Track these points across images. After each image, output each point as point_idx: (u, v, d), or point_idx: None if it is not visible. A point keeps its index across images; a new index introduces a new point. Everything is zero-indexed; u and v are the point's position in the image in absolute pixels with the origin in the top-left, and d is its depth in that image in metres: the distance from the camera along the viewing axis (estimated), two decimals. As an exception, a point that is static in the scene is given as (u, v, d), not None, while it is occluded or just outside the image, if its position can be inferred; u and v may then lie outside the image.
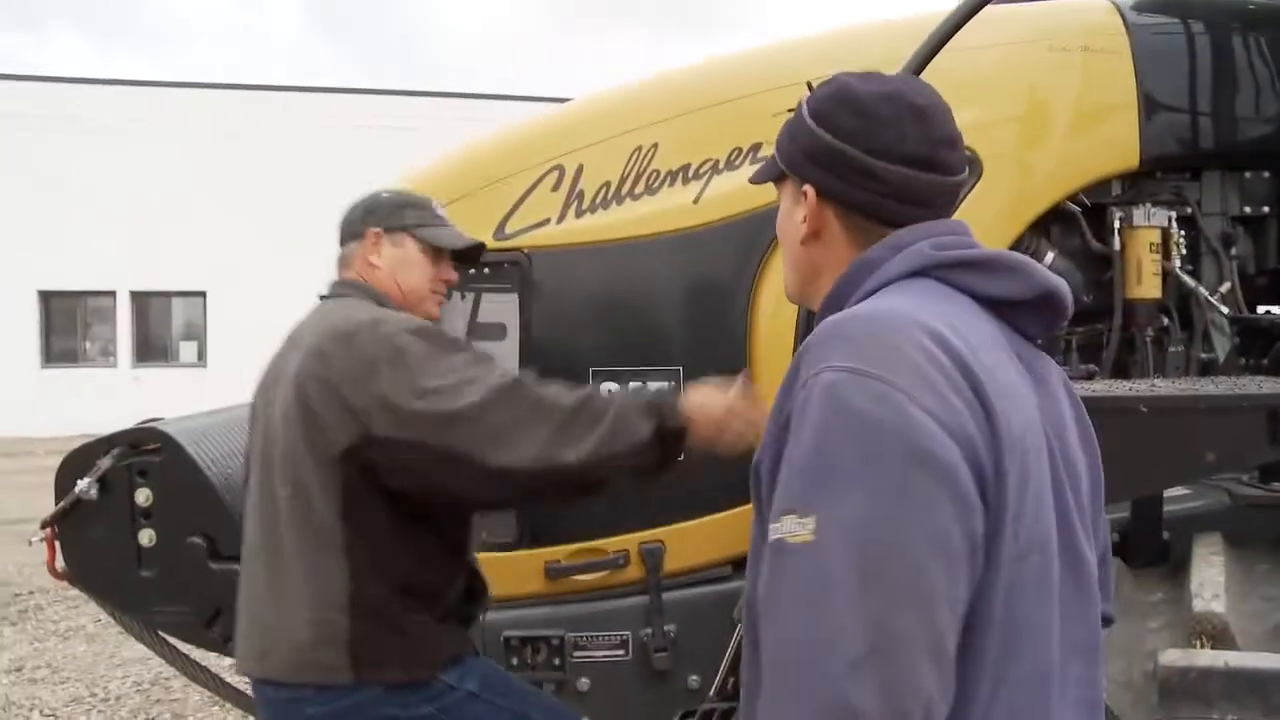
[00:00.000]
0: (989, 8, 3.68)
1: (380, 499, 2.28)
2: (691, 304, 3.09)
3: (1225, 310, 3.36)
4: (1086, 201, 3.30)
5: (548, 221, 3.06)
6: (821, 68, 3.23)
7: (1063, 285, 1.32)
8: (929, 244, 1.29)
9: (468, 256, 2.73)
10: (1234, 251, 3.51)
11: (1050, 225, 3.30)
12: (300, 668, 2.30)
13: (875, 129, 1.31)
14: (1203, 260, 3.48)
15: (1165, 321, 3.33)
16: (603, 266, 3.08)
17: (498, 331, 3.07)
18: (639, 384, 2.95)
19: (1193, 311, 3.35)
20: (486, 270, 3.04)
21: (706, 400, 2.30)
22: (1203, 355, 3.34)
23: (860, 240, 1.35)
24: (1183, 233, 3.40)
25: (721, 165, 3.10)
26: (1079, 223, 3.30)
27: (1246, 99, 3.48)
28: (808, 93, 1.42)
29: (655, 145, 3.08)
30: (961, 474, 1.05)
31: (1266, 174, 3.53)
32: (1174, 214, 3.38)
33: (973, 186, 2.97)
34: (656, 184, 3.07)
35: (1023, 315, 1.30)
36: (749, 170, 3.06)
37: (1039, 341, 1.38)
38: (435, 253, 2.62)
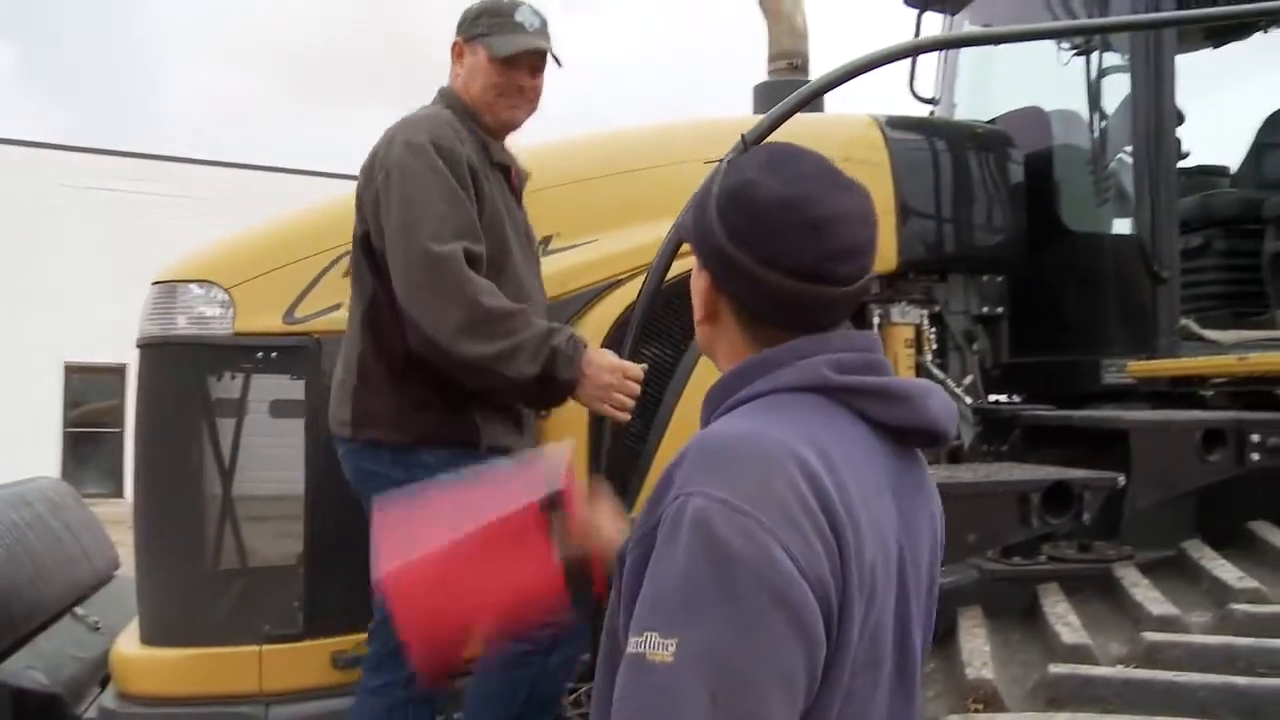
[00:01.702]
0: (749, 121, 3.98)
1: (388, 284, 2.53)
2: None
3: (969, 400, 3.69)
4: (850, 300, 3.56)
5: (339, 306, 3.01)
6: (611, 165, 3.46)
7: (948, 416, 1.35)
8: (827, 362, 1.29)
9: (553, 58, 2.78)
10: (975, 347, 3.87)
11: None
12: (332, 424, 2.70)
13: (767, 238, 1.29)
14: (949, 355, 3.82)
15: (919, 412, 3.60)
16: (395, 352, 3.07)
17: (286, 414, 3.01)
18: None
19: (942, 403, 3.65)
20: (275, 354, 2.98)
21: (601, 367, 2.48)
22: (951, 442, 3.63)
23: (752, 335, 1.35)
24: (933, 329, 3.72)
25: (512, 251, 3.17)
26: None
27: (981, 211, 3.88)
28: (729, 157, 1.43)
29: (450, 233, 3.12)
30: (812, 616, 1.12)
31: (1000, 278, 3.92)
32: (925, 312, 3.70)
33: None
34: (449, 271, 3.11)
35: (906, 435, 1.34)
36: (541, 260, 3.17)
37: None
38: (504, 62, 2.68)
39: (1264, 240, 4.42)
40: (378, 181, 2.55)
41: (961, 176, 3.87)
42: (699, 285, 1.39)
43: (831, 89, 2.64)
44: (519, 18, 2.70)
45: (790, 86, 4.60)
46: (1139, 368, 3.62)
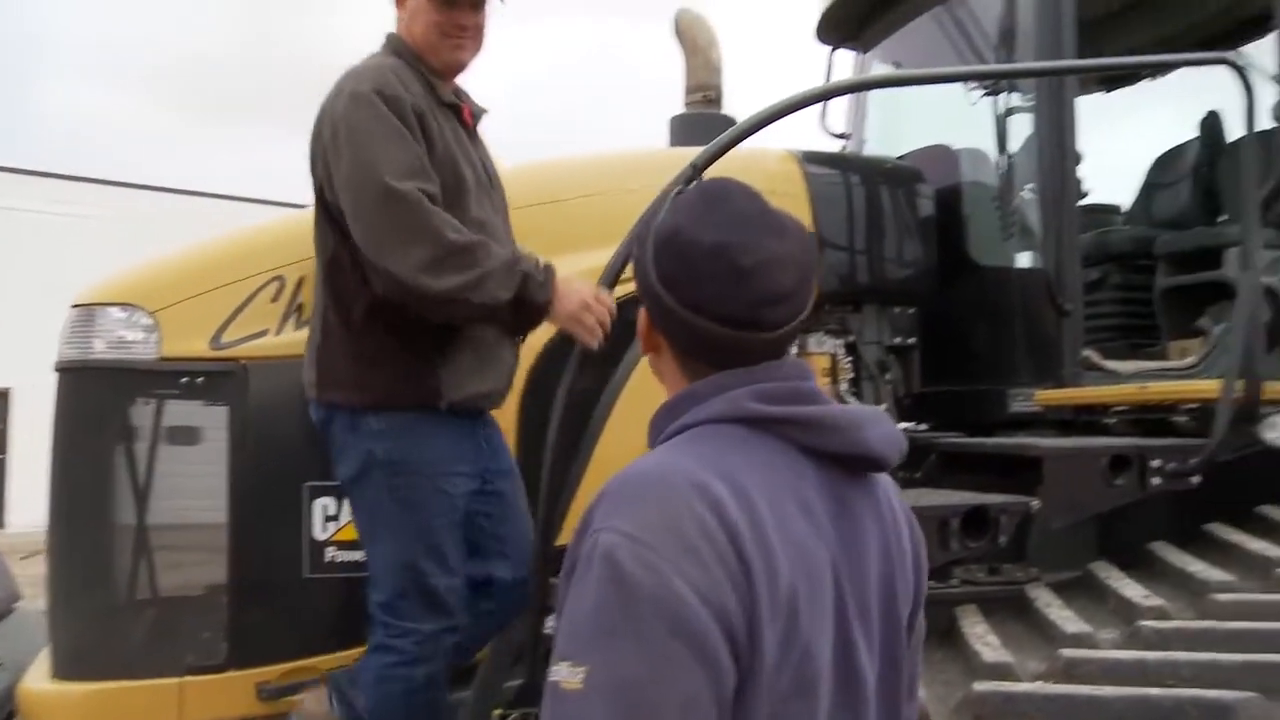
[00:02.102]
0: (678, 153, 4.05)
1: (345, 239, 2.56)
2: (408, 420, 3.11)
3: (884, 428, 3.78)
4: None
5: (266, 332, 3.00)
6: (539, 195, 3.48)
7: (886, 444, 1.36)
8: (751, 394, 1.33)
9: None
10: (888, 376, 3.98)
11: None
12: (305, 387, 2.72)
13: (695, 285, 1.33)
14: (863, 384, 3.92)
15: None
16: (322, 379, 3.06)
17: (211, 441, 2.97)
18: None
19: (857, 432, 3.75)
20: (201, 380, 2.95)
21: (574, 288, 2.53)
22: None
23: (689, 368, 1.39)
24: (848, 359, 3.82)
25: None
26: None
27: (894, 244, 4.00)
28: (678, 188, 1.43)
29: (374, 261, 3.12)
30: (714, 642, 1.15)
31: (911, 309, 4.05)
32: (841, 342, 3.80)
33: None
34: (375, 299, 3.11)
35: (846, 461, 1.35)
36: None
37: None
38: (443, 3, 2.70)
39: (1156, 275, 4.64)
40: (325, 137, 2.57)
41: (875, 211, 3.99)
42: (640, 319, 1.44)
43: (772, 122, 2.73)
44: None
45: (705, 118, 4.73)
46: (1047, 396, 3.76)
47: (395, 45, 2.76)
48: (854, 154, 4.91)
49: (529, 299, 2.48)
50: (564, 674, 1.16)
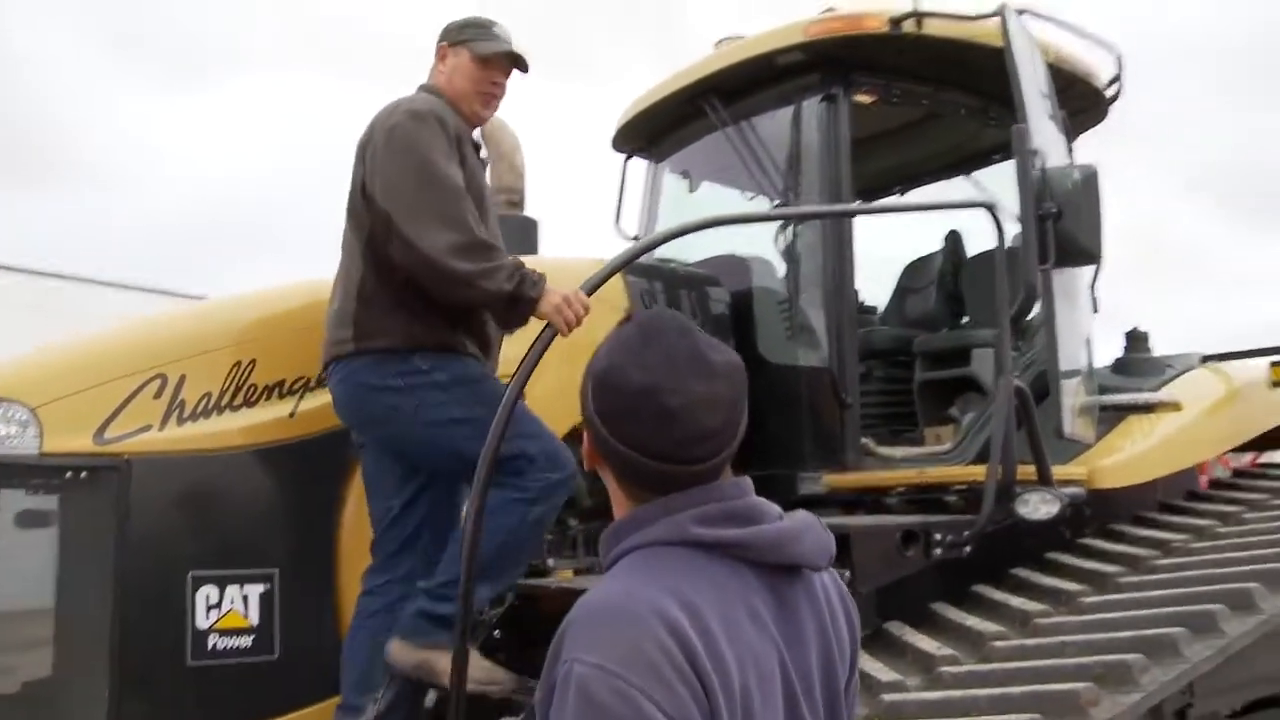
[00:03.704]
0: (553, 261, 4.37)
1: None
2: (286, 511, 3.29)
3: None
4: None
5: (149, 428, 3.14)
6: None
7: (817, 551, 1.49)
8: (693, 518, 1.43)
9: (521, 65, 3.38)
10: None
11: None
12: (329, 348, 3.15)
13: (626, 422, 1.44)
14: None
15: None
16: (203, 474, 3.20)
17: (96, 535, 3.08)
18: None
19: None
20: (84, 474, 3.04)
21: (559, 290, 2.97)
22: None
23: (626, 490, 1.51)
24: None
25: (313, 383, 3.41)
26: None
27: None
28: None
29: (254, 361, 3.33)
30: None
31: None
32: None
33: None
34: (255, 397, 3.31)
35: (784, 568, 1.48)
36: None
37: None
38: (483, 61, 3.30)
39: (914, 370, 5.31)
40: (377, 138, 3.08)
41: (680, 313, 4.42)
42: (585, 438, 1.55)
43: (648, 251, 3.15)
44: (497, 31, 3.36)
45: (508, 221, 5.09)
46: (837, 480, 4.29)
47: (433, 92, 3.27)
48: (661, 262, 5.33)
49: (523, 294, 2.93)
50: None
